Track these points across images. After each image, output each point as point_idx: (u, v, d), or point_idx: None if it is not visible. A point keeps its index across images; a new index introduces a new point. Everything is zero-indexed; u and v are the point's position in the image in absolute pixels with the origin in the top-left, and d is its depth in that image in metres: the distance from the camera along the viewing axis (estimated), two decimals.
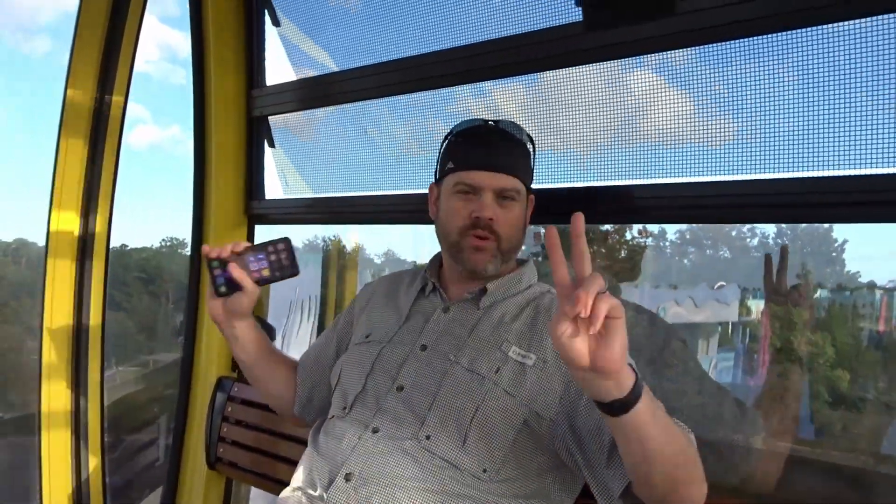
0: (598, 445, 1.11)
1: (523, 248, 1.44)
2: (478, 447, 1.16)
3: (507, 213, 1.29)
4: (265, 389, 1.55)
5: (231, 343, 1.41)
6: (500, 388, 1.19)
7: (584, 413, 1.15)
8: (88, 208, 2.09)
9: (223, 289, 1.29)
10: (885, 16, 1.15)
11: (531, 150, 1.38)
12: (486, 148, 1.30)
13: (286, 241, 1.30)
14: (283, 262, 1.30)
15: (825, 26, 1.23)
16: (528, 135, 1.37)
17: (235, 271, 1.27)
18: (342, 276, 3.17)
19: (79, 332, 2.07)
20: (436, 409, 1.20)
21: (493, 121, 1.35)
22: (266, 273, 1.29)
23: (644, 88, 1.48)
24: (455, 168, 1.32)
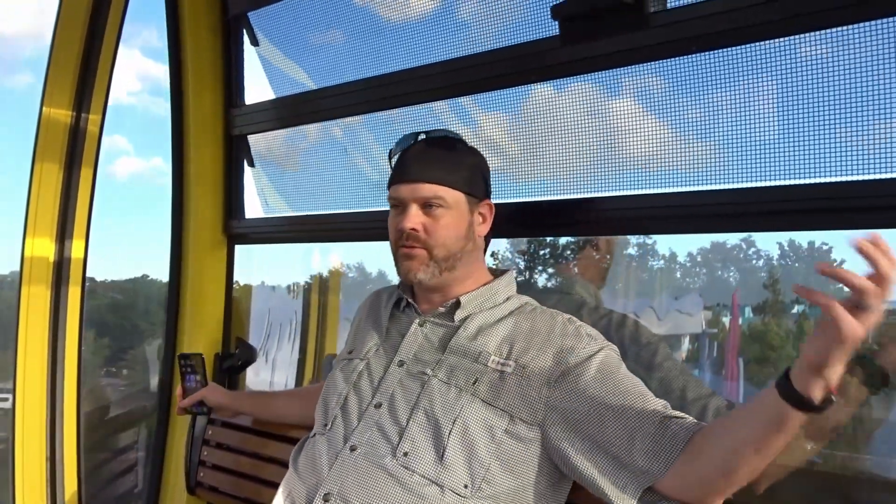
0: (628, 448, 1.09)
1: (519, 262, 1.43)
2: (457, 462, 1.15)
3: (435, 222, 1.29)
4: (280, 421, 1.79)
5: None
6: (477, 398, 1.18)
7: (598, 423, 1.13)
8: (64, 233, 2.06)
9: (205, 409, 1.79)
10: (855, 25, 1.17)
11: (471, 154, 1.37)
12: (410, 160, 1.32)
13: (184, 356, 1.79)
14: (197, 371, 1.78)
15: (795, 37, 1.26)
16: (464, 141, 1.38)
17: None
18: (324, 298, 3.15)
19: (55, 359, 2.03)
20: (413, 424, 1.19)
21: (427, 132, 1.37)
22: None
23: (621, 105, 1.50)
24: (389, 185, 1.35)
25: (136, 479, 2.37)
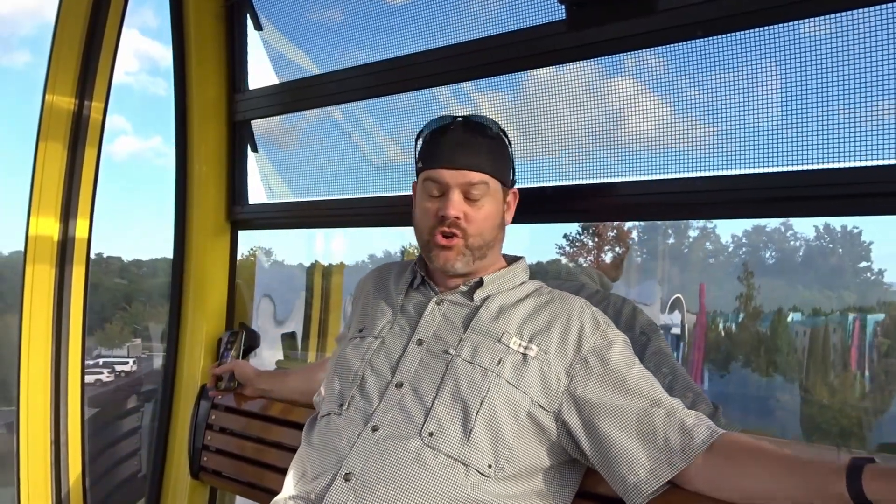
0: (652, 449, 1.12)
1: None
2: (482, 442, 1.15)
3: (477, 211, 1.28)
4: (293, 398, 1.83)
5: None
6: (503, 379, 1.18)
7: (613, 416, 1.15)
8: (68, 213, 2.05)
9: (234, 384, 1.99)
10: (865, 9, 1.17)
11: (506, 142, 1.36)
12: (451, 145, 1.29)
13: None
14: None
15: (802, 21, 1.25)
16: (501, 128, 1.35)
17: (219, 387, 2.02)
18: (328, 281, 3.16)
19: (59, 339, 2.03)
20: (440, 404, 1.18)
21: (463, 116, 1.33)
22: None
23: (624, 90, 1.49)
24: (424, 167, 1.32)
25: (140, 463, 2.37)
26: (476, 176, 1.28)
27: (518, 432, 1.16)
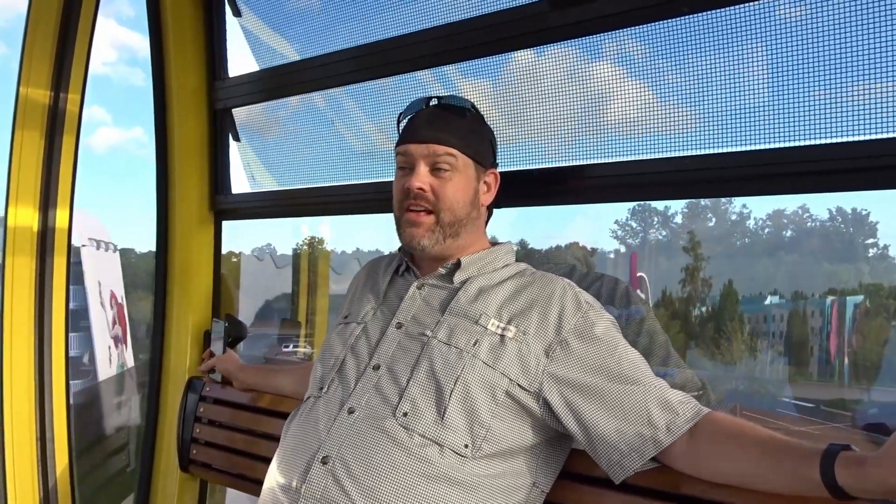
0: (638, 428, 1.12)
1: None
2: (458, 422, 1.14)
3: (444, 184, 1.28)
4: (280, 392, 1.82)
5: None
6: (478, 359, 1.18)
7: (597, 396, 1.15)
8: (48, 203, 2.02)
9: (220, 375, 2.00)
10: None
11: (481, 122, 1.36)
12: (421, 122, 1.31)
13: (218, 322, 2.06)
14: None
15: None
16: (476, 108, 1.36)
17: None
18: (314, 272, 3.15)
19: (41, 331, 2.00)
20: (413, 385, 1.18)
21: (438, 97, 1.34)
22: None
23: (608, 70, 1.48)
24: (396, 146, 1.34)
25: (129, 458, 2.36)
26: (441, 148, 1.28)
27: (496, 413, 1.16)
